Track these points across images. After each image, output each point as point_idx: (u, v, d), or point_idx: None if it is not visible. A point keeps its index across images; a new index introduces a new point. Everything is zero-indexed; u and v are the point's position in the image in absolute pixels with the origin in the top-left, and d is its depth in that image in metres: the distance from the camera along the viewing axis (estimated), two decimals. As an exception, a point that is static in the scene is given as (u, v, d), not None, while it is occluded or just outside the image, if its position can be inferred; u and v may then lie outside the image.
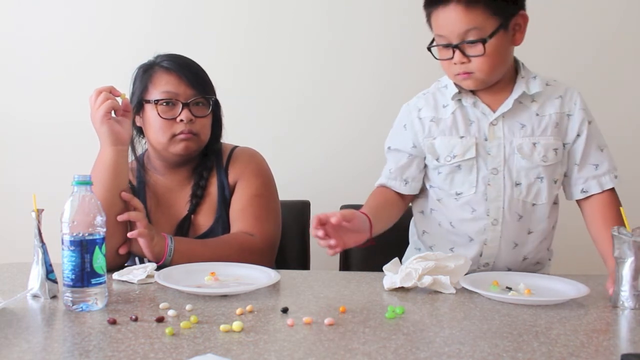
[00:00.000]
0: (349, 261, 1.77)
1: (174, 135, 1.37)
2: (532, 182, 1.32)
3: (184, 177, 1.47)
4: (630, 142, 2.13)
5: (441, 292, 1.16)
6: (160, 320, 0.95)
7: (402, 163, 1.41)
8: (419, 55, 2.11)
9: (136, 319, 0.95)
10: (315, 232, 1.18)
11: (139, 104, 1.40)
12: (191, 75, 1.39)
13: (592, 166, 1.34)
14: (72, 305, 1.00)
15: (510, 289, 1.16)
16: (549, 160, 1.31)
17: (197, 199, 1.44)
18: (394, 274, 1.19)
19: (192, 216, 1.44)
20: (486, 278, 1.22)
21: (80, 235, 1.00)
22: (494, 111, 1.33)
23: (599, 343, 0.89)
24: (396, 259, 1.27)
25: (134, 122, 1.42)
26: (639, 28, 2.11)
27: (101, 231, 1.03)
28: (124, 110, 1.30)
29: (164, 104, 1.37)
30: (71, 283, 1.01)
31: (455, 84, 1.34)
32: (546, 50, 2.09)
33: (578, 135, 1.33)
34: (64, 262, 1.01)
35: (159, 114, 1.36)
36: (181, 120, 1.36)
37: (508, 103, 1.31)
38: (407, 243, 1.60)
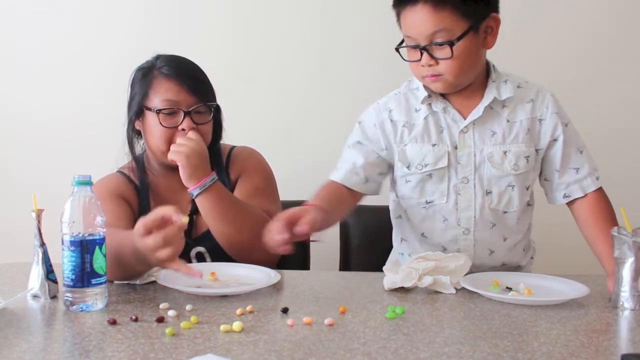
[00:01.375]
0: (349, 261, 1.77)
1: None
2: (503, 190, 1.30)
3: (181, 182, 1.44)
4: (630, 142, 2.13)
5: (441, 292, 1.16)
6: (160, 320, 0.95)
7: (370, 160, 1.35)
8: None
9: (136, 319, 0.95)
10: (280, 236, 1.07)
11: (139, 109, 1.38)
12: (192, 82, 1.36)
13: (573, 170, 1.31)
14: (72, 306, 1.00)
15: (510, 289, 1.16)
16: (520, 169, 1.29)
17: None
18: (394, 274, 1.19)
19: (194, 216, 1.43)
20: (486, 278, 1.22)
21: (80, 235, 1.00)
22: (465, 118, 1.29)
23: (599, 343, 0.89)
24: (396, 259, 1.27)
25: (133, 126, 1.42)
26: (635, 26, 2.11)
27: (101, 231, 1.03)
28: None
29: (167, 113, 1.34)
30: (71, 283, 1.00)
31: (425, 87, 1.31)
32: (545, 49, 2.09)
33: (554, 140, 1.30)
34: (64, 262, 1.01)
35: (160, 122, 1.34)
36: (182, 130, 1.34)
37: (478, 110, 1.28)
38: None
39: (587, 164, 1.31)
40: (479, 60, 1.26)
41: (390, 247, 1.58)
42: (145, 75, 1.39)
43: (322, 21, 2.13)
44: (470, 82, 1.28)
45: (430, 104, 1.31)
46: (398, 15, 1.25)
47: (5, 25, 2.14)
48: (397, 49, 1.26)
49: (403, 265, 1.20)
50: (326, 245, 1.95)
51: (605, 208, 1.29)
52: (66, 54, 2.14)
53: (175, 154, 1.30)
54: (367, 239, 1.77)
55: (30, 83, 2.15)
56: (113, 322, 0.94)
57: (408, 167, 1.32)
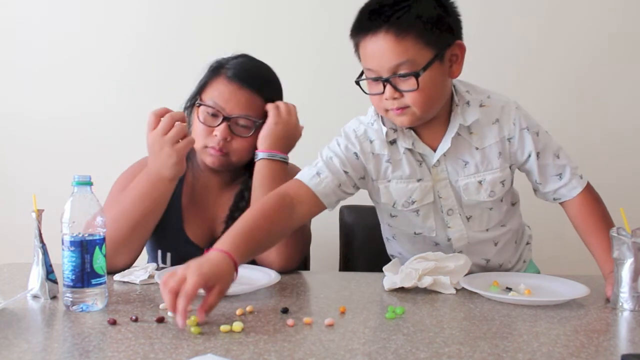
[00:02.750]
0: (349, 261, 1.77)
1: (206, 146, 1.34)
2: (482, 212, 1.28)
3: (223, 181, 1.43)
4: (630, 142, 2.13)
5: (441, 293, 1.16)
6: (160, 320, 0.95)
7: (342, 183, 1.24)
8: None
9: (136, 320, 0.95)
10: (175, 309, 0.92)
11: (193, 98, 1.38)
12: (248, 94, 1.33)
13: (556, 177, 1.26)
14: (72, 306, 1.00)
15: (510, 289, 1.16)
16: (497, 194, 1.25)
17: (240, 211, 1.35)
18: (394, 274, 1.19)
19: (214, 220, 1.42)
20: (486, 278, 1.23)
21: (81, 235, 1.00)
22: (434, 150, 1.23)
23: (599, 343, 0.89)
24: (396, 260, 1.27)
25: (189, 113, 1.39)
26: (637, 26, 2.11)
27: (101, 231, 1.03)
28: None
29: (209, 113, 1.34)
30: (71, 283, 1.00)
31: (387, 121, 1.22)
32: (545, 48, 2.09)
33: (528, 156, 1.25)
34: (64, 262, 1.01)
35: (199, 118, 1.34)
36: (215, 135, 1.32)
37: (446, 142, 1.21)
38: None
39: (567, 166, 1.26)
40: (445, 90, 1.18)
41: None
42: (213, 69, 1.38)
43: (322, 23, 2.13)
44: (433, 114, 1.19)
45: (395, 140, 1.23)
46: (357, 46, 1.17)
47: (5, 26, 2.14)
48: (357, 82, 1.17)
49: (403, 266, 1.20)
50: (326, 245, 1.96)
51: (594, 207, 1.25)
52: (66, 56, 2.14)
53: (274, 108, 1.33)
54: (368, 239, 1.77)
55: (30, 84, 2.15)
56: (113, 323, 0.94)
57: (394, 205, 1.27)
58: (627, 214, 1.13)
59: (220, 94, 1.33)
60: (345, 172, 1.24)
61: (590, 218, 1.25)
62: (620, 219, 1.13)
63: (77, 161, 2.13)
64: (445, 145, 1.21)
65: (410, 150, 1.23)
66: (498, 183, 1.24)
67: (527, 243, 1.46)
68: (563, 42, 2.11)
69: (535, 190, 1.33)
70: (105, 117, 2.15)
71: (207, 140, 1.34)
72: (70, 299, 1.00)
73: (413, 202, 1.25)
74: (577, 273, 1.35)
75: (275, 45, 2.13)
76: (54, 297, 1.09)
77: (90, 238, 1.01)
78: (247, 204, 1.37)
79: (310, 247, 1.81)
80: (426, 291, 1.16)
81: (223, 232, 1.14)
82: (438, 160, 1.23)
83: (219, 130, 1.32)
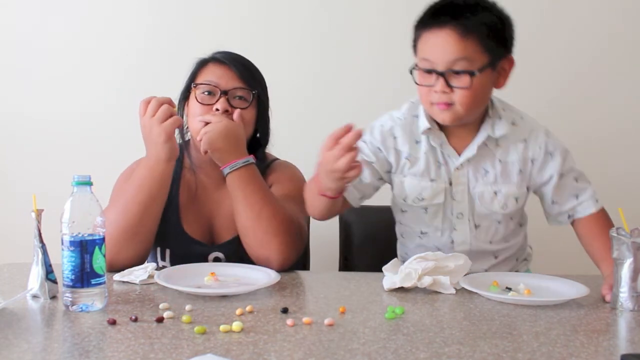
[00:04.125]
0: (349, 261, 1.77)
1: (207, 124, 1.34)
2: (490, 224, 1.33)
3: (220, 176, 1.41)
4: (629, 142, 2.13)
5: (441, 293, 1.16)
6: (160, 320, 0.95)
7: (373, 180, 1.33)
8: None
9: (136, 320, 0.95)
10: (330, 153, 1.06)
11: (186, 90, 1.42)
12: (239, 67, 1.39)
13: (572, 196, 1.31)
14: (72, 306, 1.00)
15: (510, 289, 1.16)
16: (508, 208, 1.30)
17: None
18: (393, 274, 1.19)
19: (216, 218, 1.43)
20: (486, 278, 1.22)
21: (80, 235, 1.00)
22: (459, 154, 1.28)
23: (599, 343, 0.89)
24: (396, 260, 1.27)
25: (183, 111, 1.43)
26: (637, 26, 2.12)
27: (101, 231, 1.03)
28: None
29: (205, 92, 1.37)
30: (71, 283, 1.00)
31: (427, 117, 1.27)
32: (547, 47, 2.09)
33: (550, 178, 1.30)
34: (64, 262, 1.01)
35: (196, 98, 1.37)
36: (217, 109, 1.35)
37: (472, 148, 1.27)
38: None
39: (586, 190, 1.31)
40: (488, 98, 1.25)
41: (390, 247, 1.58)
42: (200, 63, 1.43)
43: (322, 23, 2.13)
44: (471, 118, 1.25)
45: (428, 137, 1.29)
46: (417, 38, 1.23)
47: (5, 27, 2.14)
48: (410, 71, 1.24)
49: (402, 266, 1.20)
50: (326, 245, 1.96)
51: (606, 227, 1.25)
52: (66, 56, 2.14)
53: (203, 140, 1.30)
54: (368, 239, 1.77)
55: (30, 84, 2.15)
56: (113, 323, 0.94)
57: (404, 200, 1.33)
58: (626, 214, 1.13)
59: (213, 72, 1.39)
60: (371, 163, 1.31)
61: (599, 235, 1.26)
62: (619, 219, 1.13)
63: (77, 161, 2.13)
64: (471, 151, 1.27)
65: (432, 151, 1.29)
66: (512, 198, 1.29)
67: (525, 259, 1.47)
68: (562, 41, 2.11)
69: (548, 216, 1.37)
70: (105, 117, 2.14)
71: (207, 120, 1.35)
72: (70, 299, 1.00)
73: (422, 199, 1.30)
74: (577, 273, 1.36)
75: (274, 45, 2.13)
76: (53, 297, 1.09)
77: (90, 238, 1.01)
78: None
79: (310, 247, 1.81)
80: (426, 291, 1.17)
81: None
82: (461, 164, 1.28)
83: (220, 104, 1.35)
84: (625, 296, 1.07)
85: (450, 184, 1.29)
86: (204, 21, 2.12)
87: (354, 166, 1.08)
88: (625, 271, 1.07)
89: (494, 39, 1.18)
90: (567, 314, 1.04)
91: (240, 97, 1.39)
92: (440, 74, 1.17)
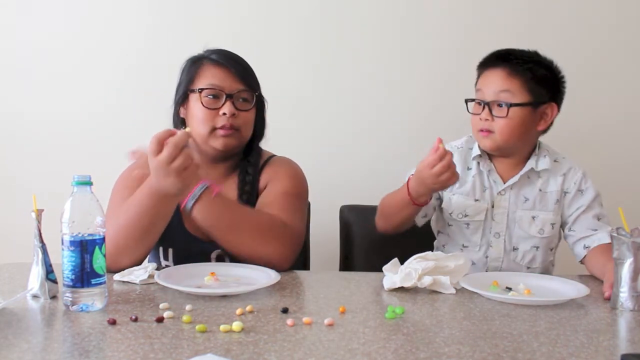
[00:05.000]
0: (349, 261, 1.77)
1: (215, 128, 1.36)
2: (528, 249, 1.47)
3: (221, 174, 1.44)
4: (630, 142, 2.13)
5: (441, 292, 1.16)
6: (160, 320, 0.95)
7: (430, 201, 1.45)
8: (420, 55, 2.12)
9: (136, 320, 0.95)
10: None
11: (184, 94, 1.41)
12: (240, 69, 1.40)
13: (589, 230, 1.43)
14: (72, 306, 1.00)
15: (510, 289, 1.16)
16: (545, 234, 1.45)
17: (247, 195, 1.42)
18: (394, 274, 1.19)
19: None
20: (486, 278, 1.23)
21: (80, 235, 1.00)
22: (504, 182, 1.46)
23: (599, 343, 0.89)
24: (396, 260, 1.27)
25: (177, 113, 1.44)
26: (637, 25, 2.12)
27: (101, 231, 1.03)
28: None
29: (210, 96, 1.37)
30: (71, 283, 1.00)
31: (479, 147, 1.49)
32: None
33: (576, 209, 1.45)
34: (64, 262, 1.01)
35: (202, 104, 1.36)
36: (224, 114, 1.35)
37: (516, 177, 1.45)
38: (407, 246, 1.61)
39: (603, 227, 1.42)
40: (528, 135, 1.43)
41: (390, 247, 1.58)
42: (193, 63, 1.42)
43: (321, 23, 2.13)
44: (514, 152, 1.45)
45: (479, 163, 1.49)
46: (478, 75, 1.47)
47: (5, 27, 2.14)
48: (466, 102, 1.46)
49: (403, 266, 1.20)
50: (326, 245, 1.96)
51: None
52: (66, 56, 2.14)
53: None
54: (368, 239, 1.77)
55: (30, 84, 2.15)
56: (113, 322, 0.94)
57: (450, 214, 1.50)
58: (626, 214, 1.13)
59: (214, 76, 1.38)
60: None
61: (606, 257, 1.29)
62: (619, 219, 1.13)
63: (77, 161, 2.13)
64: (514, 179, 1.46)
65: (480, 175, 1.49)
66: (548, 224, 1.45)
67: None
68: (562, 42, 2.11)
69: (567, 237, 1.49)
70: (105, 118, 2.15)
71: (214, 122, 1.36)
72: (70, 299, 1.00)
73: (466, 216, 1.48)
74: (577, 273, 1.36)
75: (274, 45, 2.13)
76: (53, 297, 1.09)
77: (90, 238, 1.01)
78: (252, 187, 1.42)
79: (310, 247, 1.81)
80: (426, 291, 1.17)
81: None
82: (504, 190, 1.46)
83: (227, 108, 1.36)
84: (625, 296, 1.07)
85: (493, 206, 1.47)
86: (204, 21, 2.12)
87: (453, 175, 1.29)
88: (625, 271, 1.07)
89: (539, 84, 1.39)
90: (567, 314, 1.04)
91: (244, 99, 1.40)
92: (486, 104, 1.40)
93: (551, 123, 1.46)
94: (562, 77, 1.45)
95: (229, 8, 2.12)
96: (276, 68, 2.13)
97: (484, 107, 1.41)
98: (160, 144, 1.12)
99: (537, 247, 1.46)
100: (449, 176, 1.28)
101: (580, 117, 2.11)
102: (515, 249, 1.47)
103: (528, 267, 1.47)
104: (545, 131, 1.47)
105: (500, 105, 1.38)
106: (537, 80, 1.39)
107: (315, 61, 2.13)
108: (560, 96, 1.45)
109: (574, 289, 1.14)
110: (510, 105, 1.37)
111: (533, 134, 1.45)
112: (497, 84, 1.40)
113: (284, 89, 2.13)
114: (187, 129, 1.15)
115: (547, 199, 1.45)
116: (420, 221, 1.52)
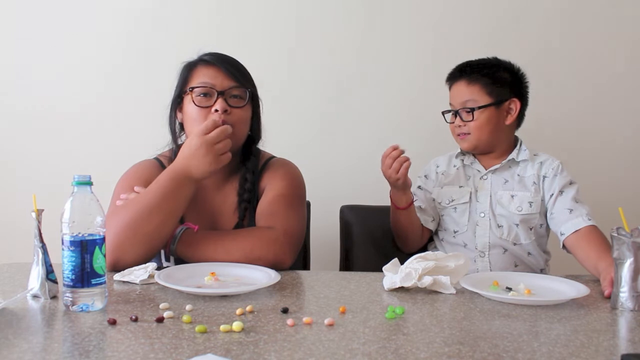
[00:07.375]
0: (349, 261, 1.77)
1: None
2: (510, 225, 1.58)
3: (219, 178, 1.46)
4: (630, 142, 2.14)
5: (441, 292, 1.16)
6: (160, 320, 0.95)
7: (427, 202, 1.68)
8: (421, 56, 2.12)
9: (136, 319, 0.95)
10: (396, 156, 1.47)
11: (178, 97, 1.43)
12: (230, 67, 1.41)
13: (566, 210, 1.51)
14: (72, 306, 1.00)
15: (510, 289, 1.16)
16: (523, 211, 1.57)
17: (246, 203, 1.44)
18: (394, 274, 1.19)
19: (219, 217, 1.44)
20: (486, 278, 1.23)
21: (80, 235, 1.00)
22: (486, 169, 1.65)
23: (599, 343, 0.89)
24: (396, 260, 1.27)
25: (175, 117, 1.46)
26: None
27: (101, 231, 1.03)
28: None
29: (201, 94, 1.38)
30: (71, 283, 1.00)
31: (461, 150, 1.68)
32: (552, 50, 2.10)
33: (551, 195, 1.56)
34: (64, 262, 1.01)
35: (194, 102, 1.38)
36: (216, 110, 1.36)
37: (498, 165, 1.63)
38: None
39: (580, 208, 1.50)
40: (499, 130, 1.61)
41: (390, 247, 1.58)
42: (188, 67, 1.45)
43: (323, 30, 2.13)
44: (492, 148, 1.63)
45: (462, 160, 1.69)
46: (449, 89, 1.65)
47: (5, 26, 2.14)
48: (443, 114, 1.66)
49: (403, 265, 1.20)
50: (326, 245, 1.96)
51: (599, 237, 1.41)
52: (66, 56, 2.14)
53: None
54: (368, 239, 1.77)
55: (30, 84, 2.15)
56: (113, 322, 0.94)
57: (440, 203, 1.67)
58: (626, 214, 1.13)
59: (205, 75, 1.40)
60: (430, 194, 1.71)
61: (595, 243, 1.40)
62: (619, 219, 1.13)
63: (77, 161, 2.13)
64: (496, 166, 1.63)
65: (463, 167, 1.68)
66: (526, 202, 1.58)
67: (542, 270, 1.63)
68: (563, 41, 2.11)
69: (549, 223, 1.57)
70: (105, 118, 2.15)
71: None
72: (70, 299, 1.00)
73: (452, 200, 1.65)
74: (576, 273, 1.36)
75: (274, 45, 2.13)
76: (53, 297, 1.09)
77: (90, 238, 1.01)
78: (253, 186, 1.44)
79: (310, 247, 1.81)
80: (426, 291, 1.17)
81: (241, 217, 1.43)
82: (486, 175, 1.63)
83: (218, 104, 1.37)
84: (625, 296, 1.07)
85: (476, 190, 1.63)
86: (204, 21, 2.12)
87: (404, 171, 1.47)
88: (626, 271, 1.07)
89: (497, 85, 1.58)
90: (567, 314, 1.04)
91: (236, 96, 1.41)
92: (456, 112, 1.61)
93: (522, 116, 1.64)
94: (522, 74, 1.63)
95: (229, 8, 2.12)
96: (276, 68, 2.13)
97: (455, 115, 1.62)
98: (211, 128, 1.28)
99: (517, 224, 1.58)
100: (397, 167, 1.46)
101: (580, 117, 2.12)
102: (499, 226, 1.59)
103: (515, 244, 1.58)
104: (518, 125, 1.65)
105: (468, 111, 1.58)
106: (495, 82, 1.58)
107: (316, 61, 2.14)
108: (522, 91, 1.63)
109: (574, 289, 1.14)
110: (474, 109, 1.58)
111: (504, 128, 1.62)
112: (461, 94, 1.60)
113: (284, 89, 2.13)
114: (229, 127, 1.30)
115: (525, 182, 1.60)
116: (429, 225, 1.66)
